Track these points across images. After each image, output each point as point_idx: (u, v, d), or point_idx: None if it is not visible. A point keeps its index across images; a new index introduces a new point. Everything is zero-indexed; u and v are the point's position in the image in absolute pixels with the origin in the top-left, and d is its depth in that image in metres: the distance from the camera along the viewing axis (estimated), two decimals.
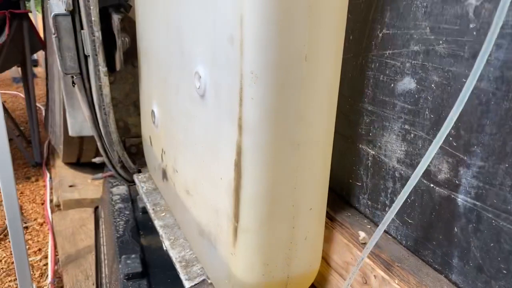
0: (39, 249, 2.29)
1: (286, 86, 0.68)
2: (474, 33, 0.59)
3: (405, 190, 0.61)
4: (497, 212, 0.58)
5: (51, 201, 2.64)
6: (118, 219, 1.61)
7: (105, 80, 1.33)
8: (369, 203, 0.83)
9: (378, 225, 0.69)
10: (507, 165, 0.56)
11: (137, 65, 1.39)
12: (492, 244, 0.60)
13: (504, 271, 0.58)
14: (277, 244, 0.78)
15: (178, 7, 0.92)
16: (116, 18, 1.32)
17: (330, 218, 0.86)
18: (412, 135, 0.70)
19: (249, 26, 0.64)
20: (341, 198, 0.91)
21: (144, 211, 1.58)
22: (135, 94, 1.50)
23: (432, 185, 0.68)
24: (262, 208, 0.75)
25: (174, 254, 1.10)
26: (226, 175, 0.78)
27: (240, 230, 0.77)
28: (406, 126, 0.71)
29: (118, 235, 1.51)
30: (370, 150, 0.80)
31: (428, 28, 0.66)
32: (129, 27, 1.36)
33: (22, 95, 4.05)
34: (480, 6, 0.58)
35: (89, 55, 1.30)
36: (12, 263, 2.13)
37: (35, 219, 2.54)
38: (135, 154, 1.56)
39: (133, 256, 1.36)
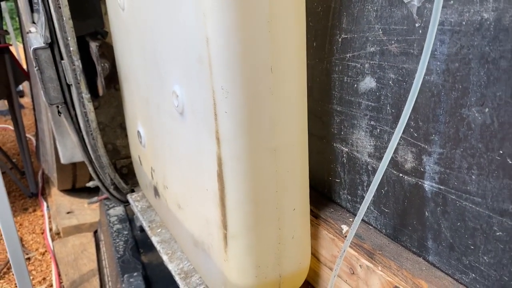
0: (44, 279, 2.31)
1: (256, 97, 0.73)
2: (420, 31, 0.64)
3: (374, 182, 0.66)
4: (459, 194, 0.63)
5: (50, 229, 2.66)
6: (118, 240, 1.64)
7: (89, 106, 1.37)
8: (349, 197, 0.88)
9: None
10: (462, 150, 0.61)
11: (119, 88, 1.43)
12: (459, 224, 0.64)
13: (472, 247, 0.63)
14: (266, 246, 0.82)
15: (152, 32, 0.97)
16: (93, 46, 1.36)
17: (315, 215, 0.91)
18: (378, 130, 0.75)
19: (214, 46, 0.69)
20: (324, 196, 0.96)
21: (142, 229, 1.61)
22: (120, 116, 1.54)
23: (401, 175, 0.73)
24: (248, 213, 0.79)
25: (173, 267, 1.14)
26: (211, 186, 0.82)
27: (229, 237, 0.81)
28: (372, 122, 0.76)
29: (119, 256, 1.55)
30: (343, 148, 0.85)
31: (380, 30, 0.71)
32: (108, 52, 1.40)
33: (11, 128, 4.08)
34: (422, 7, 0.63)
35: (71, 84, 1.34)
36: None
37: (36, 249, 2.56)
38: (127, 174, 1.60)
39: (135, 274, 1.40)
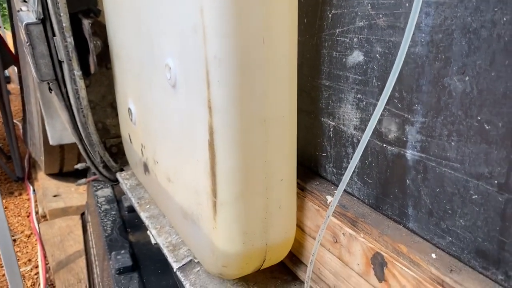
0: (29, 260, 2.31)
1: (247, 67, 0.75)
2: (407, 4, 0.67)
3: (358, 150, 0.69)
4: (439, 160, 0.66)
5: (36, 212, 2.66)
6: (105, 220, 1.65)
7: (80, 83, 1.37)
8: (335, 170, 0.91)
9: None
10: (442, 118, 0.64)
11: (111, 67, 1.44)
12: (438, 190, 0.68)
13: (450, 212, 0.67)
14: (253, 214, 0.85)
15: (146, 5, 0.98)
16: (86, 23, 1.37)
17: (301, 188, 0.94)
18: (364, 102, 0.78)
19: (209, 15, 0.71)
20: (310, 170, 0.98)
21: (130, 210, 1.63)
22: (111, 96, 1.55)
23: (384, 145, 0.76)
24: (237, 181, 0.82)
25: (161, 241, 1.16)
26: (202, 156, 0.85)
27: (218, 204, 0.83)
28: (359, 95, 0.79)
29: (107, 234, 1.56)
30: (331, 122, 0.88)
31: (369, 5, 0.73)
32: (100, 30, 1.41)
33: None
34: None
35: (63, 61, 1.35)
36: (3, 275, 2.15)
37: (22, 232, 2.56)
38: (116, 154, 1.61)
39: (122, 251, 1.41)
